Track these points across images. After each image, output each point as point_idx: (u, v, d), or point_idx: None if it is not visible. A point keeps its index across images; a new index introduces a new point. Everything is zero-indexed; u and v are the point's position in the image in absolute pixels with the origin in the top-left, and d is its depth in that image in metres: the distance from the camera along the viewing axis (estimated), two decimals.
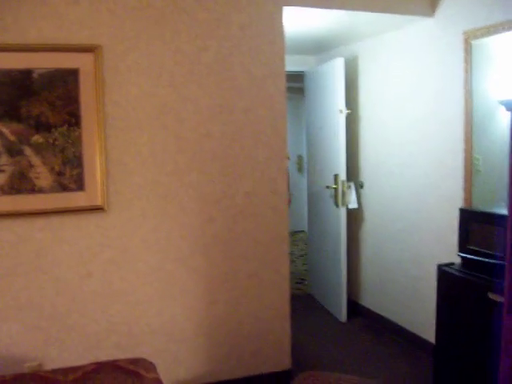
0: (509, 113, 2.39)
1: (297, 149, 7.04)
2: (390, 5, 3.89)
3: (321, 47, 5.49)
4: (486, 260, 3.02)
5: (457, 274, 3.17)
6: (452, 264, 3.33)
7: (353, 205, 5.06)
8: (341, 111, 4.88)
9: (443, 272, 3.26)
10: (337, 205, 5.02)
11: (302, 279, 6.39)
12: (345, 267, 5.03)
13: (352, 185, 5.07)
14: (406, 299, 4.59)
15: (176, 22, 3.35)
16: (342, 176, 4.96)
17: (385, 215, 4.84)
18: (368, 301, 5.18)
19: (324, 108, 5.29)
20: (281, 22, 3.59)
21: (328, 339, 4.68)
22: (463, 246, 3.22)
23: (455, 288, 3.19)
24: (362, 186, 5.15)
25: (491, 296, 2.86)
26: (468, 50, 3.66)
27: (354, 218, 5.29)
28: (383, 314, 4.93)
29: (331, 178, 5.08)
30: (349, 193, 5.03)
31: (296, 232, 8.53)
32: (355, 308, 5.28)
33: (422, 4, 3.99)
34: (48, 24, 3.07)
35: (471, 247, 3.17)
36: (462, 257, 3.25)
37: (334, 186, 5.01)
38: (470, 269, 3.14)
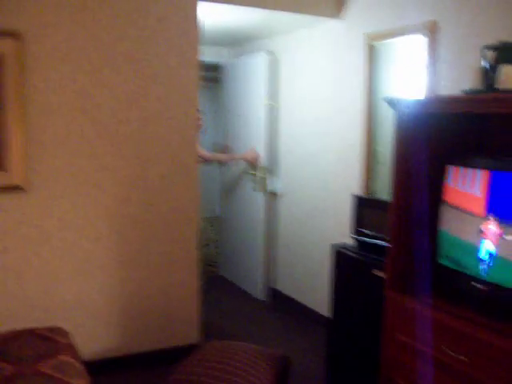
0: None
1: (215, 135, 7.05)
2: (298, 5, 4.20)
3: (236, 41, 5.76)
4: (374, 241, 3.37)
5: (349, 253, 3.50)
6: (345, 245, 3.66)
7: (276, 189, 5.44)
8: (264, 104, 5.26)
9: (337, 252, 3.58)
10: (256, 189, 5.41)
11: (215, 262, 6.62)
12: (263, 248, 5.45)
13: (271, 171, 5.43)
14: (308, 279, 5.00)
15: (97, 12, 3.50)
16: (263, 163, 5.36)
17: (297, 202, 5.16)
18: (279, 282, 5.55)
19: (246, 99, 5.61)
20: (195, 15, 3.81)
21: (239, 317, 5.02)
22: (355, 228, 3.56)
23: (347, 266, 3.53)
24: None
25: (375, 272, 3.20)
26: (370, 51, 4.02)
27: (271, 204, 5.60)
28: (291, 294, 5.32)
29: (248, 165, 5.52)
30: (269, 178, 5.42)
31: (210, 217, 8.63)
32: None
33: (328, 6, 4.31)
34: None
35: (362, 230, 3.50)
36: (353, 238, 3.58)
37: (253, 172, 5.41)
38: (361, 249, 3.49)
